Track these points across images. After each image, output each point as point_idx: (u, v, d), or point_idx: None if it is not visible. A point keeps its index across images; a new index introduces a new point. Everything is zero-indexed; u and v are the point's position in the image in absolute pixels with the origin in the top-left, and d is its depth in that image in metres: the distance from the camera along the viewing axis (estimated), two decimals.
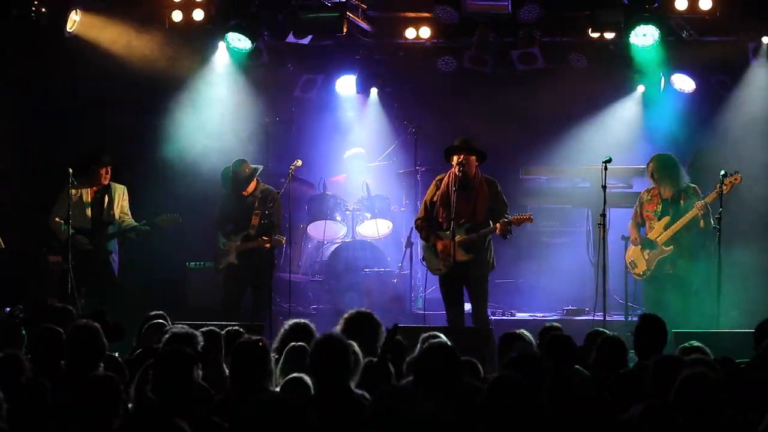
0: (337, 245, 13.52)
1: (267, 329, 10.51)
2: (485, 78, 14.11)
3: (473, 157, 10.53)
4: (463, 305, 10.75)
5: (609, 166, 10.83)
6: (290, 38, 13.57)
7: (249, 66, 14.29)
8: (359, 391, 5.77)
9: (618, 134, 13.89)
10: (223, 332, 7.21)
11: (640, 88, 14.00)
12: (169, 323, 7.89)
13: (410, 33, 13.83)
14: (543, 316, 12.71)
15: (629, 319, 11.66)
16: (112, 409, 5.01)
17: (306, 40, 13.75)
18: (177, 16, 13.23)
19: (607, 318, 10.66)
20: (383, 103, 14.70)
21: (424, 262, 11.02)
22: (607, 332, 7.39)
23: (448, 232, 10.48)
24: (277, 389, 5.99)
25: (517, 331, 7.34)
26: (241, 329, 7.54)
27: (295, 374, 5.87)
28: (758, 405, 5.73)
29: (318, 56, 14.49)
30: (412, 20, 13.77)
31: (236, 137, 13.86)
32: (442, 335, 7.08)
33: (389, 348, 6.13)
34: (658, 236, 11.02)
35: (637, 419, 4.93)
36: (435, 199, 10.70)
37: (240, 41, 13.12)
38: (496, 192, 10.62)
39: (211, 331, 7.00)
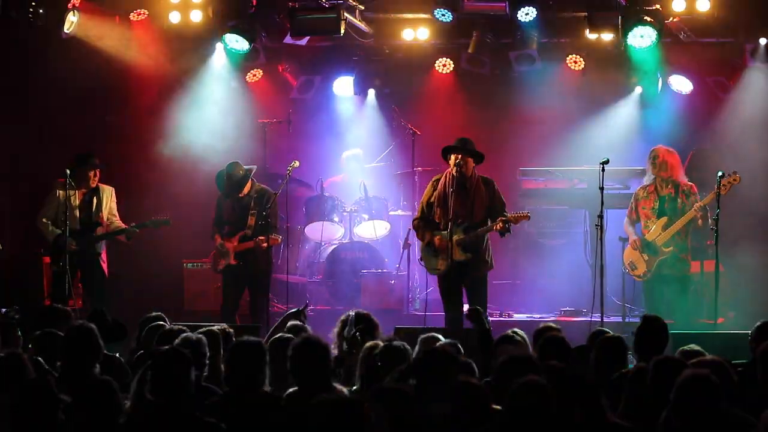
0: (334, 246, 13.52)
1: (264, 330, 10.50)
2: (483, 79, 14.12)
3: (470, 158, 10.54)
4: (462, 305, 10.74)
5: (606, 167, 10.83)
6: (288, 39, 13.58)
7: (246, 67, 14.30)
8: (339, 387, 5.83)
9: (615, 136, 13.89)
10: (220, 333, 7.21)
11: (638, 90, 14.01)
12: (168, 324, 7.88)
13: (408, 34, 13.83)
14: (540, 317, 12.71)
15: (626, 320, 11.68)
16: (108, 414, 5.00)
17: (303, 42, 13.75)
18: (175, 17, 13.24)
19: (605, 319, 10.65)
20: (381, 105, 14.71)
21: (421, 262, 11.02)
22: (609, 332, 7.39)
23: (446, 233, 10.48)
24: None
25: (509, 331, 7.33)
26: (238, 330, 7.55)
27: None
28: (756, 406, 5.74)
29: (315, 57, 14.50)
30: (410, 21, 13.76)
31: (234, 138, 13.87)
32: (440, 336, 7.09)
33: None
34: (657, 237, 11.02)
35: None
36: (432, 199, 10.70)
37: (237, 42, 13.12)
38: (494, 191, 10.63)
39: (209, 332, 7.01)
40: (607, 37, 13.16)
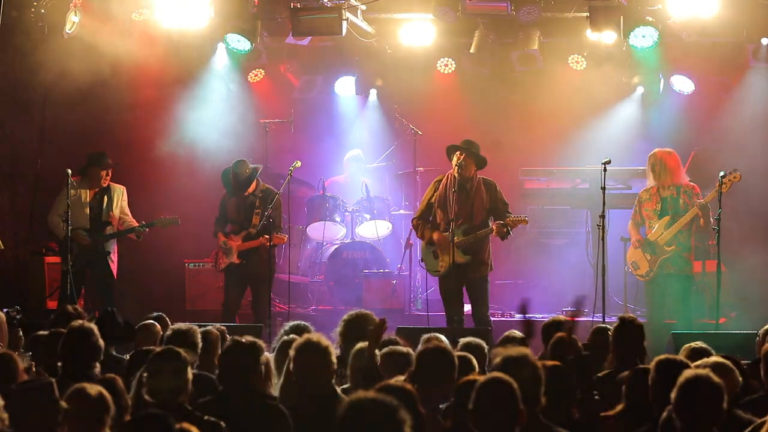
0: (336, 246, 13.52)
1: (266, 330, 10.50)
2: (484, 79, 14.13)
3: (472, 161, 10.54)
4: (463, 306, 10.75)
5: (608, 167, 10.82)
6: (289, 39, 13.57)
7: (248, 67, 14.30)
8: (342, 387, 5.83)
9: (617, 135, 13.90)
10: (218, 332, 7.22)
11: (640, 90, 14.02)
12: (170, 324, 7.88)
13: (410, 34, 13.82)
14: (542, 317, 12.69)
15: None
16: (109, 412, 4.99)
17: (305, 42, 13.75)
18: (177, 17, 13.21)
19: (607, 319, 10.64)
20: (382, 105, 14.71)
21: (422, 264, 11.02)
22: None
23: (446, 234, 10.49)
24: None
25: (508, 333, 7.34)
26: (240, 330, 7.55)
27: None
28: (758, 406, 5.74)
29: (317, 57, 14.50)
30: (412, 21, 13.75)
31: (236, 138, 13.87)
32: (442, 336, 7.09)
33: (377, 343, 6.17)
34: (659, 236, 11.02)
35: None
36: (433, 200, 10.70)
37: (239, 42, 13.12)
38: (495, 193, 10.62)
39: (207, 332, 7.01)
40: (609, 37, 13.15)
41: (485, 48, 13.68)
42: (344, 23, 12.84)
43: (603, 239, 10.79)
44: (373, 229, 13.61)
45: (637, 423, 5.52)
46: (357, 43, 13.87)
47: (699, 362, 6.03)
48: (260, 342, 5.96)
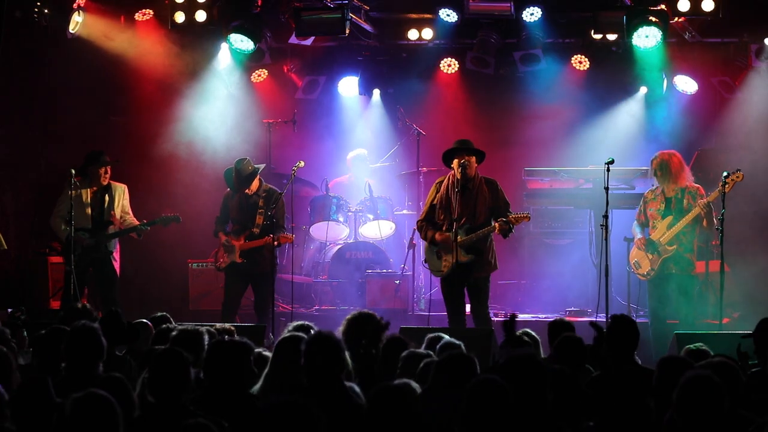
0: (339, 246, 13.52)
1: (269, 330, 10.50)
2: (488, 79, 14.13)
3: (473, 158, 10.53)
4: (465, 306, 10.75)
5: (611, 167, 10.80)
6: (293, 39, 13.59)
7: (251, 67, 14.31)
8: (349, 384, 5.82)
9: (620, 136, 13.89)
10: (216, 332, 7.23)
11: (643, 90, 14.01)
12: (173, 324, 7.89)
13: (413, 34, 13.84)
14: (545, 318, 12.70)
15: None
16: (116, 413, 4.98)
17: (308, 42, 13.76)
18: (180, 17, 13.23)
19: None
20: (386, 105, 14.71)
21: (426, 264, 11.02)
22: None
23: (449, 234, 10.49)
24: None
25: (519, 332, 7.32)
26: (243, 330, 7.55)
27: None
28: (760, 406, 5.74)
29: (320, 57, 14.51)
30: (415, 21, 13.78)
31: (239, 139, 13.89)
32: (447, 336, 7.08)
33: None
34: (662, 236, 11.01)
35: None
36: (435, 201, 10.70)
37: (242, 42, 13.13)
38: (497, 192, 10.61)
39: (207, 332, 7.01)
40: (612, 37, 13.16)
41: (488, 48, 13.69)
42: (347, 23, 12.85)
43: (606, 239, 10.78)
44: (377, 230, 13.61)
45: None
46: (360, 44, 13.88)
47: (702, 362, 6.02)
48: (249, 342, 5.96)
